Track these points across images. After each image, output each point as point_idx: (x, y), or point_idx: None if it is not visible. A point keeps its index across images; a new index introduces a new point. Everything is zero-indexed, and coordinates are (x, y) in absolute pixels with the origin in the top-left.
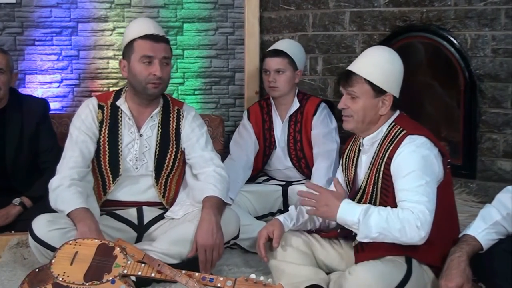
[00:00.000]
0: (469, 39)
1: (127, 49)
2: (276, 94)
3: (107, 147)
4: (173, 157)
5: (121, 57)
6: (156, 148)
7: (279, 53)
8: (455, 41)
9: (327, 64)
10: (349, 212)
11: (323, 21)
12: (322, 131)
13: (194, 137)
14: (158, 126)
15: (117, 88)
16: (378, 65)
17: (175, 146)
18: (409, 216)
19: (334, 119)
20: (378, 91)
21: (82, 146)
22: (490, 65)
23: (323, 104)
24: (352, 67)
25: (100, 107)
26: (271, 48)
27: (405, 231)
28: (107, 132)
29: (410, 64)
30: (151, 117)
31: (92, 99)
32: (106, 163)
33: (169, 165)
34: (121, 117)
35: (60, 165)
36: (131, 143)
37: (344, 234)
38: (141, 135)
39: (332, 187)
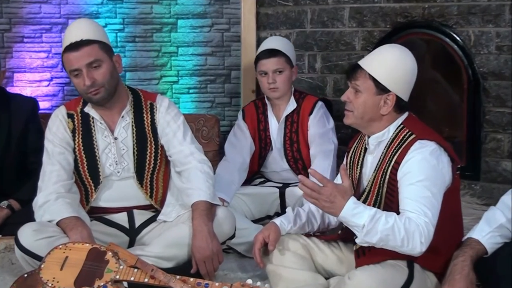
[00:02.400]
0: (472, 35)
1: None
2: (277, 95)
3: (84, 155)
4: (153, 155)
5: None
6: (133, 149)
7: (275, 52)
8: (458, 38)
9: (326, 62)
10: (354, 214)
11: (322, 17)
12: (319, 131)
13: (170, 132)
14: (132, 125)
15: None
16: (385, 63)
17: (153, 143)
18: (415, 229)
19: (331, 119)
20: (381, 89)
21: (60, 158)
22: (494, 63)
23: (319, 103)
24: (360, 61)
25: (70, 115)
26: (262, 48)
27: (408, 242)
28: (81, 140)
29: None
30: (122, 117)
31: (61, 109)
32: (85, 172)
33: (151, 163)
34: (92, 123)
35: (41, 181)
36: (108, 147)
37: (344, 237)
38: (116, 138)
39: (338, 179)
